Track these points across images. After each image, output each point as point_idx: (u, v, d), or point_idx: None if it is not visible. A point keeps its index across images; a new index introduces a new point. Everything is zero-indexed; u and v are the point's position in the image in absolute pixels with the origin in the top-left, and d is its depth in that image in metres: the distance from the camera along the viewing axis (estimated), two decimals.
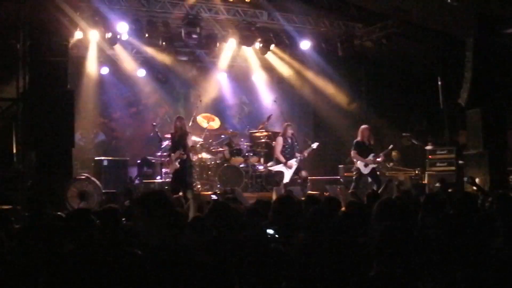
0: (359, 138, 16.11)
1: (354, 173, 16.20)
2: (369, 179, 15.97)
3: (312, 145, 16.97)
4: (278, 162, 17.00)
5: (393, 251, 4.68)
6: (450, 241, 5.10)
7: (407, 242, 4.76)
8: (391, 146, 16.22)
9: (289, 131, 16.96)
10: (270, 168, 17.10)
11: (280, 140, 16.91)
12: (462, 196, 7.86)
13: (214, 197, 14.50)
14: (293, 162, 16.60)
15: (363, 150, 15.98)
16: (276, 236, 6.32)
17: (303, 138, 17.77)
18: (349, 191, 14.82)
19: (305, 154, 16.91)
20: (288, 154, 16.86)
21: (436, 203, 7.01)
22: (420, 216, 7.08)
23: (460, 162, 16.59)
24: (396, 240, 4.72)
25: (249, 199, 14.45)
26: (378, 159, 15.91)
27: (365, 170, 15.86)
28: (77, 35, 16.38)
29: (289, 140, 16.94)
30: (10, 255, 5.40)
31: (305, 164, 17.10)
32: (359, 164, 15.92)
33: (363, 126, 16.23)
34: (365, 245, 5.48)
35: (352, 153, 16.13)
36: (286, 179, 16.56)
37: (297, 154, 16.81)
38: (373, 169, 15.90)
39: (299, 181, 16.54)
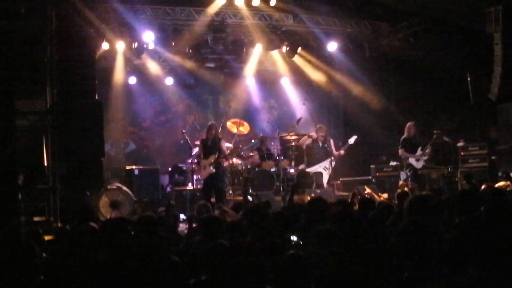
0: (405, 135, 16.01)
1: (408, 170, 16.01)
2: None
3: (349, 140, 16.97)
4: (309, 164, 17.04)
5: (416, 247, 4.64)
6: (480, 239, 5.02)
7: (431, 239, 4.72)
8: (434, 137, 16.00)
9: (320, 134, 16.97)
10: (308, 170, 17.08)
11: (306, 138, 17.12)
12: (493, 193, 7.73)
13: (250, 198, 14.52)
14: (329, 162, 16.64)
15: (411, 146, 15.90)
16: (300, 242, 6.29)
17: (334, 140, 17.68)
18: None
19: (342, 152, 16.93)
20: (319, 156, 16.89)
21: (465, 201, 6.91)
22: (448, 214, 7.00)
23: (493, 157, 16.41)
24: (418, 236, 4.68)
25: (281, 202, 14.49)
26: (426, 151, 15.76)
27: (418, 165, 15.79)
28: (104, 46, 16.57)
29: (320, 143, 16.94)
30: (43, 267, 5.43)
31: (336, 164, 17.04)
32: (411, 160, 15.80)
33: (409, 123, 16.11)
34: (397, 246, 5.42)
35: (401, 151, 15.99)
36: (325, 179, 16.58)
37: (334, 152, 16.81)
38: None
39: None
